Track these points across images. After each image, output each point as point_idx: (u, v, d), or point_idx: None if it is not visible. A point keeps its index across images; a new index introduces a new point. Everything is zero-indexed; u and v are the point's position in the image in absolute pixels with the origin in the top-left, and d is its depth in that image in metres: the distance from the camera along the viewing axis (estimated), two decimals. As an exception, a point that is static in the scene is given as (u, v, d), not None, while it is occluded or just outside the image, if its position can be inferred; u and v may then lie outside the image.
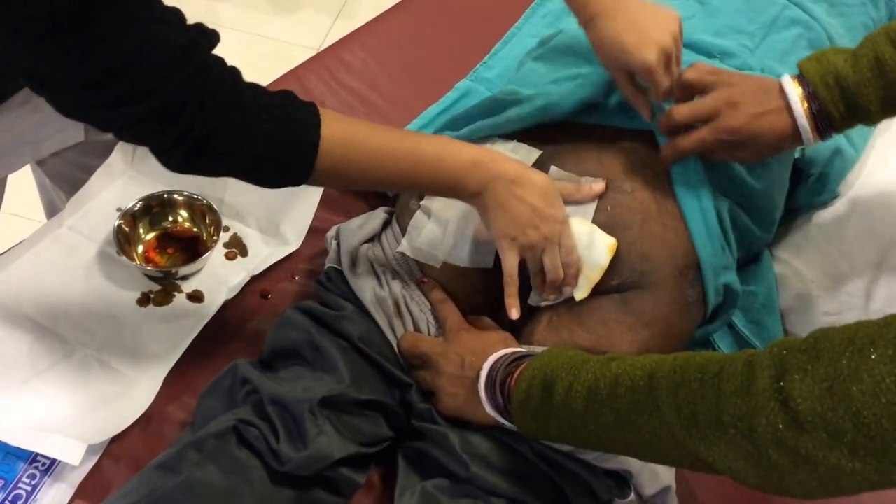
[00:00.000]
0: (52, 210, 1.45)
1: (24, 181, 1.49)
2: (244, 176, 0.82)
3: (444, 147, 0.90)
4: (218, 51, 0.76)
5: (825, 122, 0.90)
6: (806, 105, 0.89)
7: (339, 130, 0.80)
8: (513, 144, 1.05)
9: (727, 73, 0.97)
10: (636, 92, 0.98)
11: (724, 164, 1.00)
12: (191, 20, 0.73)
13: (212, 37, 0.74)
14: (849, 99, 0.88)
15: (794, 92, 0.90)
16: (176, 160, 0.75)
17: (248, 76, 0.78)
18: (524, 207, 0.89)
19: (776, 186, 1.07)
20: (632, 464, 0.90)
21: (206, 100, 0.72)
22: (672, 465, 0.88)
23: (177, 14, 0.72)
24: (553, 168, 1.01)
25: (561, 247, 0.92)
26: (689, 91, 0.98)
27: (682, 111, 0.95)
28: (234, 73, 0.77)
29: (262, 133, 0.76)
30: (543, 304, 0.98)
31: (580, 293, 0.95)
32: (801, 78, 0.90)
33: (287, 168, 0.80)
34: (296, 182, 0.82)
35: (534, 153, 1.03)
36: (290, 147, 0.78)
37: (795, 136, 0.91)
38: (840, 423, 0.58)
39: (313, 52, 1.60)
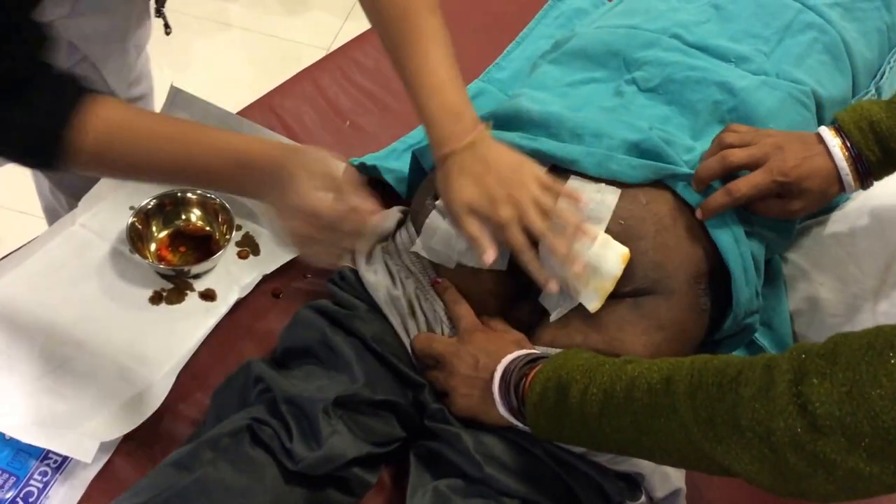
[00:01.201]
0: (52, 216, 1.44)
1: (31, 180, 1.50)
2: None
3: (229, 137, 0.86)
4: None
5: (864, 167, 0.93)
6: (845, 151, 0.92)
7: (113, 116, 0.79)
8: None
9: (764, 129, 1.00)
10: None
11: None
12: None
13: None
14: (882, 142, 0.91)
15: (831, 137, 0.93)
16: None
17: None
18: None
19: None
20: (643, 466, 0.90)
21: None
22: (687, 468, 0.88)
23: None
24: (572, 178, 0.99)
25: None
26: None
27: (738, 153, 0.95)
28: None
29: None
30: (555, 314, 0.97)
31: (593, 304, 0.94)
32: (838, 128, 0.94)
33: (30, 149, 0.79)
34: (46, 164, 0.81)
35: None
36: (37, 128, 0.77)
37: (839, 182, 0.94)
38: (858, 427, 0.58)
39: (323, 53, 1.60)
